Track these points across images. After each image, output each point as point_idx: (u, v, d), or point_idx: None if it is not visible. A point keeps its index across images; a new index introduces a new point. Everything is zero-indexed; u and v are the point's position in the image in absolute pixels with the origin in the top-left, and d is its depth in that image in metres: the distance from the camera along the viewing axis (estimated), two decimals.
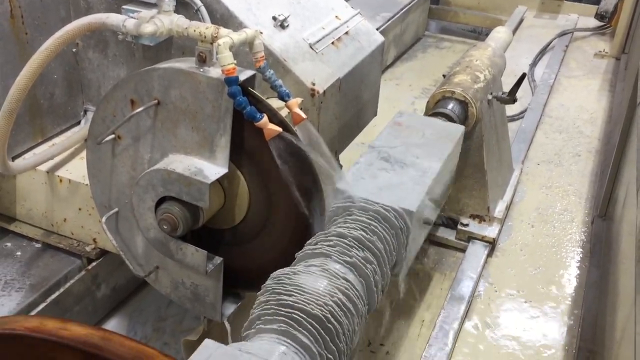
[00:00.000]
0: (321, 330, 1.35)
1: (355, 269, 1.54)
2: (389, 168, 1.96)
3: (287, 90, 1.71)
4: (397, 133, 2.18)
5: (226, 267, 1.81)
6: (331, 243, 1.59)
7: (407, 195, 1.82)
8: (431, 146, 2.11)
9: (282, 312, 1.37)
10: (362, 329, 1.55)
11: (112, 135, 1.77)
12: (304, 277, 1.46)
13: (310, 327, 1.35)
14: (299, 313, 1.36)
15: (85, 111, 2.46)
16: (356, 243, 1.60)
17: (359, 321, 1.49)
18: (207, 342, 1.24)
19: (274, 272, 1.50)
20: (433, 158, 2.04)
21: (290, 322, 1.35)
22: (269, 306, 1.40)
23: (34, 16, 2.16)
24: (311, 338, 1.34)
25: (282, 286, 1.43)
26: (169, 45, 2.11)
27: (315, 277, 1.47)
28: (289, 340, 1.34)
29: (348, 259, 1.55)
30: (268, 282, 1.47)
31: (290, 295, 1.40)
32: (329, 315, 1.37)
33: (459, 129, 2.31)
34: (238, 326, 1.52)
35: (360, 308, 1.49)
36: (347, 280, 1.49)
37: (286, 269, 1.51)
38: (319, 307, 1.38)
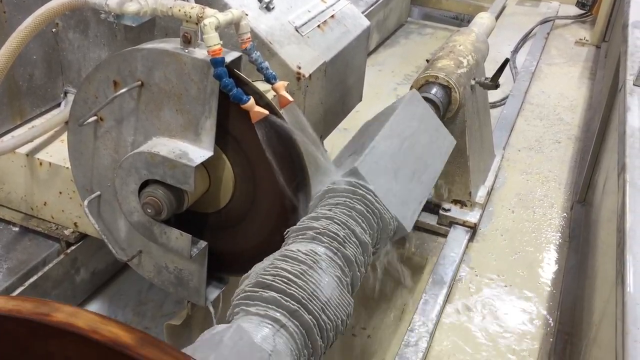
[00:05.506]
0: (272, 293, 1.38)
1: (312, 238, 1.56)
2: (348, 156, 1.97)
3: (273, 73, 1.69)
4: (359, 134, 2.18)
5: (210, 251, 1.80)
6: (289, 234, 1.62)
7: (356, 160, 1.83)
8: (384, 120, 2.10)
9: (239, 300, 1.41)
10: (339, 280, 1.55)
11: (94, 117, 1.73)
12: (258, 266, 1.50)
13: (261, 296, 1.38)
14: (249, 290, 1.40)
15: (65, 93, 2.41)
16: (308, 219, 1.62)
17: (320, 274, 1.49)
18: None
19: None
20: (382, 124, 2.03)
21: (245, 301, 1.39)
22: (233, 304, 1.44)
23: None
24: (264, 304, 1.37)
25: (242, 284, 1.47)
26: (151, 27, 2.07)
27: (265, 261, 1.51)
28: (246, 317, 1.37)
29: (301, 234, 1.57)
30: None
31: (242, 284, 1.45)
32: (271, 277, 1.40)
33: (411, 93, 2.31)
34: (222, 311, 1.52)
35: (315, 260, 1.49)
36: (295, 245, 1.52)
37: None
38: (260, 275, 1.41)
